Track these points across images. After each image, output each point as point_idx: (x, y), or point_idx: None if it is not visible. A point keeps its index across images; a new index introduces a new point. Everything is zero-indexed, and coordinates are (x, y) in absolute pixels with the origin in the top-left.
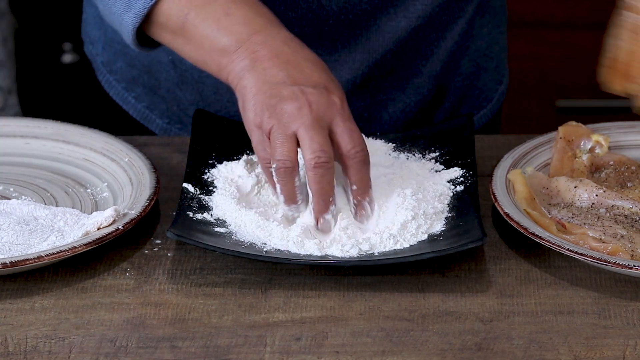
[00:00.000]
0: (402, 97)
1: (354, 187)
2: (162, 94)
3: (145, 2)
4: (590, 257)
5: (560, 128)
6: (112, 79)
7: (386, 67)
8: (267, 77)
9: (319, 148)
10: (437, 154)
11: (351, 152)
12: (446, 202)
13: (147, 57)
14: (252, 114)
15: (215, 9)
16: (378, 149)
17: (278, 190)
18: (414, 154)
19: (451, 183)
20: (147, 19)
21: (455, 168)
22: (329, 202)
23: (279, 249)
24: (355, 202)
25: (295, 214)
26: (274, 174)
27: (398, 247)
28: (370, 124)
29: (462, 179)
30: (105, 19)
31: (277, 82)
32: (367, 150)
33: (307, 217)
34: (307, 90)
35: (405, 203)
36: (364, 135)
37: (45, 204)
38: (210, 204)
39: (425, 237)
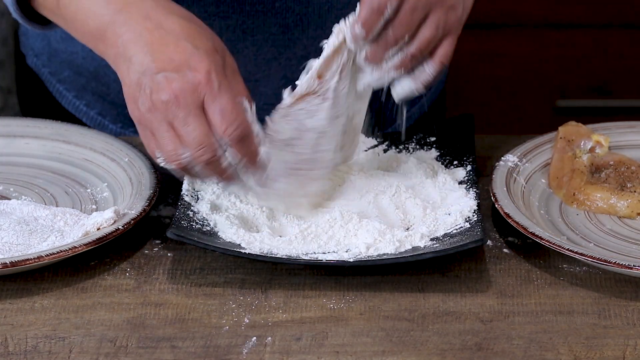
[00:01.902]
0: None
1: (244, 159)
2: (112, 99)
3: None
4: (590, 257)
5: (560, 128)
6: (62, 89)
7: None
8: (133, 66)
9: (198, 145)
10: (437, 154)
11: (225, 133)
12: (446, 202)
13: (94, 62)
14: (130, 108)
15: None
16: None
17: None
18: (414, 154)
19: (451, 183)
20: None
21: (455, 168)
22: (234, 180)
23: (279, 249)
24: (247, 170)
25: (244, 186)
26: (173, 172)
27: (399, 247)
28: None
29: (462, 179)
30: None
31: (143, 71)
32: (243, 121)
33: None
34: (170, 77)
35: (405, 203)
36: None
37: (45, 204)
38: (210, 203)
39: (425, 237)
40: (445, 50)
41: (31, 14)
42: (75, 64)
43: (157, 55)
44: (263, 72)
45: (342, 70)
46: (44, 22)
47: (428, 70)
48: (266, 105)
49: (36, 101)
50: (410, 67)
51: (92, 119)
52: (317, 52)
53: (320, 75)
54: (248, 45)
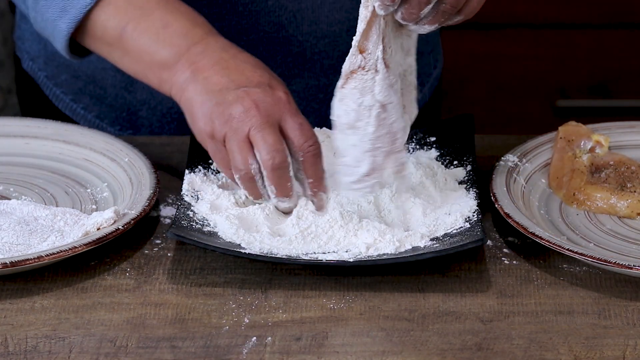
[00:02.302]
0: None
1: (310, 180)
2: (110, 101)
3: (81, 8)
4: (590, 257)
5: (560, 128)
6: (59, 92)
7: (333, 39)
8: (210, 85)
9: (273, 149)
10: (437, 154)
11: (304, 146)
12: (446, 202)
13: (91, 65)
14: (202, 124)
15: (154, 21)
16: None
17: (246, 192)
18: (414, 154)
19: (451, 183)
20: (82, 29)
21: (455, 168)
22: (290, 195)
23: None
24: (312, 193)
25: (285, 205)
26: (238, 182)
27: (399, 247)
28: (323, 104)
29: (462, 179)
30: (36, 26)
31: (221, 89)
32: (319, 142)
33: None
34: (251, 91)
35: (405, 203)
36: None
37: (45, 204)
38: (210, 204)
39: (425, 237)
40: (472, 7)
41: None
42: (72, 68)
43: (234, 77)
44: None
45: (383, 38)
46: (83, 54)
47: (458, 17)
48: None
49: (36, 101)
50: (443, 21)
51: (89, 122)
52: (312, 47)
53: (362, 50)
54: (243, 45)
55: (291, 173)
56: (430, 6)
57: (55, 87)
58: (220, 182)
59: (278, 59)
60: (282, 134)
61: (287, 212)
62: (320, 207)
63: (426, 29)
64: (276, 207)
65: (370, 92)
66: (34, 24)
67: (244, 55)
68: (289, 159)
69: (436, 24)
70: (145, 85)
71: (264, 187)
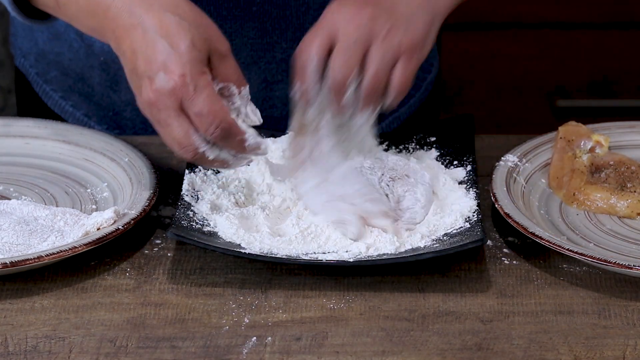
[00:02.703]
0: None
1: (232, 152)
2: (97, 100)
3: None
4: (590, 257)
5: (560, 128)
6: (49, 89)
7: None
8: (126, 62)
9: (178, 145)
10: (437, 154)
11: (207, 133)
12: (446, 202)
13: (79, 63)
14: (137, 99)
15: None
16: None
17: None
18: (414, 154)
19: (451, 183)
20: None
21: (455, 168)
22: (228, 166)
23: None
24: (241, 156)
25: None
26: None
27: (399, 247)
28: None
29: (462, 179)
30: None
31: (132, 69)
32: (224, 119)
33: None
34: (149, 81)
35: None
36: None
37: (45, 204)
38: (210, 203)
39: (425, 237)
40: (398, 76)
41: (31, 11)
42: (62, 65)
43: (139, 55)
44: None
45: (317, 124)
46: (44, 17)
47: (388, 100)
48: None
49: (31, 99)
50: (373, 102)
51: (78, 120)
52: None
53: (299, 133)
54: None
55: (212, 153)
56: (348, 92)
57: (45, 84)
58: (220, 182)
59: (262, 64)
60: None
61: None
62: (262, 153)
63: (360, 121)
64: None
65: (326, 156)
66: None
67: (149, 15)
68: (202, 148)
69: (369, 107)
70: (128, 85)
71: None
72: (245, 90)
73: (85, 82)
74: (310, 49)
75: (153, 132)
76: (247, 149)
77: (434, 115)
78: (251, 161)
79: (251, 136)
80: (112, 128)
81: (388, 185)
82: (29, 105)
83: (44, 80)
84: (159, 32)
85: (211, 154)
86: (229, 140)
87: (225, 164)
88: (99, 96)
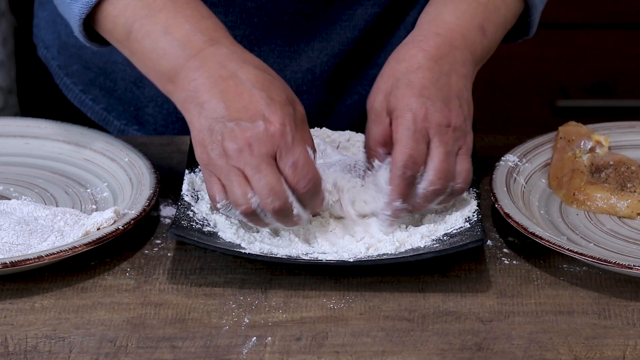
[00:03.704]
0: (358, 88)
1: (309, 211)
2: (119, 95)
3: None
4: (590, 257)
5: (560, 128)
6: (69, 82)
7: (343, 57)
8: (206, 112)
9: (271, 193)
10: None
11: (297, 186)
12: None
13: (103, 58)
14: (199, 152)
15: (157, 24)
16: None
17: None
18: None
19: None
20: (95, 20)
21: None
22: (298, 224)
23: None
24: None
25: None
26: (241, 217)
27: (399, 247)
28: (327, 117)
29: None
30: (58, 8)
31: (216, 117)
32: (314, 177)
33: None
34: (245, 127)
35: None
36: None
37: (45, 204)
38: (210, 204)
39: (425, 237)
40: (462, 170)
41: (92, 33)
42: (85, 58)
43: (230, 104)
44: None
45: None
46: (105, 42)
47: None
48: None
49: (36, 101)
50: (443, 199)
51: (97, 114)
52: (323, 65)
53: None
54: (254, 55)
55: (295, 210)
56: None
57: (66, 77)
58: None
59: (287, 72)
60: (279, 169)
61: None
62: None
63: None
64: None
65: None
66: (56, 5)
67: (244, 69)
68: (290, 199)
69: (442, 204)
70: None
71: (266, 216)
72: (317, 155)
73: (108, 76)
74: (419, 163)
75: (174, 130)
76: (324, 208)
77: None
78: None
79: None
80: (132, 124)
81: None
82: (33, 105)
83: (65, 73)
84: (255, 85)
85: (296, 207)
86: (314, 198)
87: (300, 222)
88: (121, 91)
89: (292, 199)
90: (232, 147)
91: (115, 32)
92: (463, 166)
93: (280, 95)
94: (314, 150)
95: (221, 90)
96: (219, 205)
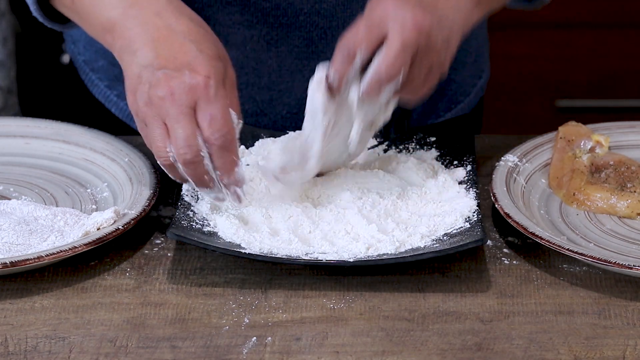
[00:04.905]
0: None
1: (218, 172)
2: None
3: None
4: (590, 257)
5: (560, 128)
6: (95, 78)
7: None
8: (137, 59)
9: (185, 144)
10: (437, 154)
11: (210, 138)
12: (446, 202)
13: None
14: (130, 100)
15: None
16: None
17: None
18: (414, 154)
19: (451, 183)
20: None
21: (455, 168)
22: (210, 186)
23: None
24: (223, 184)
25: (210, 195)
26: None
27: (399, 247)
28: None
29: (462, 179)
30: None
31: (146, 65)
32: (230, 133)
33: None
34: (170, 75)
35: (406, 203)
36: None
37: (45, 204)
38: (210, 203)
39: (425, 237)
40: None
41: (52, 14)
42: (110, 54)
43: (160, 52)
44: (286, 83)
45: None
46: (63, 21)
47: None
48: (289, 114)
49: (36, 101)
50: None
51: (121, 110)
52: None
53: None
54: (272, 56)
55: (208, 166)
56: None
57: (92, 72)
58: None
59: (306, 73)
60: (197, 122)
61: (220, 201)
62: (236, 200)
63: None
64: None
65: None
66: None
67: (179, 21)
68: (203, 151)
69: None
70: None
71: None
72: (240, 125)
73: None
74: (359, 43)
75: None
76: (234, 174)
77: (477, 123)
78: (223, 200)
79: (241, 167)
80: None
81: None
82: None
83: (91, 69)
84: (187, 36)
85: (207, 163)
86: (224, 155)
87: (211, 182)
88: None
89: (204, 153)
90: (156, 94)
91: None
92: (422, 78)
93: (211, 50)
94: (239, 117)
95: (153, 38)
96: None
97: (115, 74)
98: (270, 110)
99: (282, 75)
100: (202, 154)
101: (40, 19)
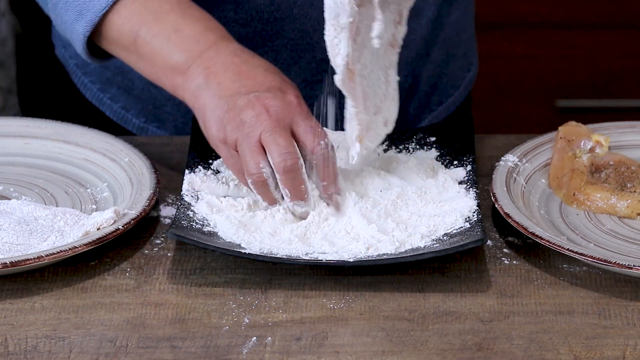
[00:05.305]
0: None
1: (324, 183)
2: (137, 93)
3: (97, 11)
4: (590, 257)
5: (560, 128)
6: (87, 81)
7: None
8: (222, 91)
9: (284, 151)
10: (437, 154)
11: (316, 149)
12: (446, 202)
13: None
14: (214, 131)
15: (166, 25)
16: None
17: (259, 198)
18: (414, 154)
19: (451, 183)
20: (99, 33)
21: (455, 168)
22: (305, 198)
23: (279, 249)
24: (326, 196)
25: (302, 209)
26: (251, 187)
27: (399, 247)
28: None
29: (462, 179)
30: (57, 28)
31: (232, 94)
32: (331, 144)
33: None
34: (262, 95)
35: (406, 203)
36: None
37: (45, 204)
38: (210, 203)
39: (425, 237)
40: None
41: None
42: None
43: (246, 82)
44: None
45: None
46: (103, 56)
47: None
48: None
49: (36, 101)
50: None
51: (115, 113)
52: None
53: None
54: (267, 50)
55: (304, 176)
56: None
57: (84, 75)
58: (219, 182)
59: (302, 64)
60: (294, 137)
61: (304, 217)
62: (336, 208)
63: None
64: (293, 213)
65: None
66: (55, 25)
67: (255, 59)
68: (301, 161)
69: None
70: None
71: (277, 191)
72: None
73: (126, 75)
74: None
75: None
76: (338, 183)
77: (468, 115)
78: (307, 214)
79: (314, 194)
80: (151, 121)
81: None
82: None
83: (83, 72)
84: (268, 69)
85: (304, 173)
86: (329, 164)
87: (302, 195)
88: (139, 90)
89: (302, 162)
90: (250, 114)
91: (121, 40)
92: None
93: (289, 81)
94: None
95: (235, 72)
96: (248, 181)
97: (107, 77)
98: None
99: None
100: (300, 162)
101: (86, 58)
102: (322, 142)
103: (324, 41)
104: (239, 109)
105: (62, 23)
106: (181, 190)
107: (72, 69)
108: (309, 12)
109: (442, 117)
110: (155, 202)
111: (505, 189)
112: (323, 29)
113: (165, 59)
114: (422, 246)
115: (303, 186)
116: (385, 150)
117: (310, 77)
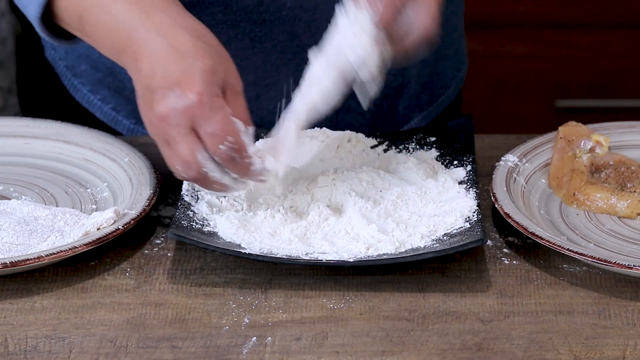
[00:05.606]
0: None
1: (235, 176)
2: (127, 94)
3: None
4: (590, 257)
5: (560, 128)
6: (77, 83)
7: None
8: (142, 78)
9: (183, 164)
10: (437, 154)
11: (216, 153)
12: (446, 202)
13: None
14: (143, 120)
15: (102, 7)
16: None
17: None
18: (414, 154)
19: (451, 183)
20: (54, 14)
21: (455, 168)
22: (226, 191)
23: (279, 249)
24: (243, 181)
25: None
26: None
27: (399, 247)
28: (338, 113)
29: (462, 179)
30: (20, 7)
31: (147, 85)
32: (237, 141)
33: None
34: (165, 95)
35: (406, 203)
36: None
37: (45, 204)
38: (210, 204)
39: (425, 237)
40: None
41: (55, 29)
42: (92, 59)
43: (159, 70)
44: (272, 78)
45: None
46: (68, 37)
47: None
48: (275, 109)
49: (36, 101)
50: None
51: (105, 114)
52: None
53: None
54: (257, 52)
55: (215, 175)
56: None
57: (74, 77)
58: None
59: (292, 66)
60: (198, 137)
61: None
62: (261, 181)
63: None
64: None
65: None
66: (16, 3)
67: (179, 37)
68: (204, 168)
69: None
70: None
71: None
72: (251, 129)
73: (116, 76)
74: None
75: None
76: (251, 174)
77: (468, 115)
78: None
79: (257, 162)
80: (141, 122)
81: None
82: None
83: (73, 74)
84: (183, 52)
85: (214, 175)
86: (237, 163)
87: (225, 188)
88: (129, 91)
89: (209, 167)
90: (156, 114)
91: (71, 22)
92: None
93: (205, 63)
94: (247, 124)
95: (155, 57)
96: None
97: (97, 78)
98: (257, 106)
99: (267, 71)
100: (203, 170)
101: (46, 37)
102: (221, 146)
103: (314, 43)
104: (150, 105)
105: (19, 2)
106: (181, 190)
107: (62, 70)
108: (298, 14)
109: (432, 116)
110: (155, 202)
111: (505, 189)
112: (312, 31)
113: (106, 43)
114: (422, 246)
115: (215, 185)
116: (385, 150)
117: (299, 79)
